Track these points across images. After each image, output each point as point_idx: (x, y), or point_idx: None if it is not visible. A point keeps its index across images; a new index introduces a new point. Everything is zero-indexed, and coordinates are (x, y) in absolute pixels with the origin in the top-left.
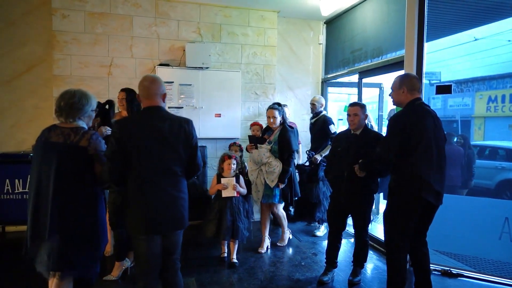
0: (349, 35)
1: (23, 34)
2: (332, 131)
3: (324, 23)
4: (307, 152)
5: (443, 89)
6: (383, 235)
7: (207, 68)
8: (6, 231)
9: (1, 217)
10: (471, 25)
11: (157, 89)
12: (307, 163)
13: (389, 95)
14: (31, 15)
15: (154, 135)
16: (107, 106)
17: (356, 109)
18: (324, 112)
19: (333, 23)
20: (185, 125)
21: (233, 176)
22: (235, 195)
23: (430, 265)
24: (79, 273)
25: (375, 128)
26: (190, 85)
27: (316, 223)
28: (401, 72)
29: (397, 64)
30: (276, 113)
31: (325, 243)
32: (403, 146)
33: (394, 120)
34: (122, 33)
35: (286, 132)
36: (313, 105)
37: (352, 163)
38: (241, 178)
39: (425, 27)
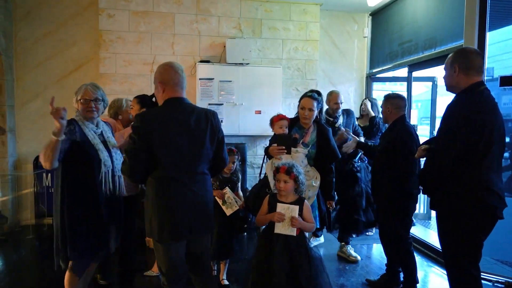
0: (398, 27)
1: (72, 34)
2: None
3: (370, 15)
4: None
5: (509, 80)
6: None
7: (248, 64)
8: None
9: (50, 211)
10: None
11: (184, 79)
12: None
13: (443, 77)
14: (80, 15)
15: (181, 129)
16: (154, 99)
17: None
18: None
19: (380, 14)
20: (211, 118)
21: (295, 203)
22: (294, 233)
23: (492, 276)
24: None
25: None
26: (230, 81)
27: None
28: None
29: None
30: (315, 104)
31: (374, 246)
32: (468, 145)
33: (452, 111)
34: (164, 31)
35: (327, 131)
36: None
37: (374, 165)
38: (306, 204)
39: (488, 14)
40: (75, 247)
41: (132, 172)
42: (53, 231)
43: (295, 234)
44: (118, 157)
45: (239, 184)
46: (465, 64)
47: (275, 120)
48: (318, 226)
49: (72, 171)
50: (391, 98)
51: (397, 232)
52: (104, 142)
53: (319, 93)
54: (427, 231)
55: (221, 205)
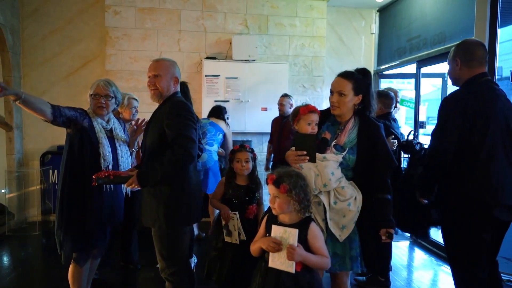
0: (406, 22)
1: (79, 31)
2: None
3: (377, 11)
4: None
5: None
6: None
7: (254, 60)
8: None
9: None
10: None
11: None
12: None
13: (447, 72)
14: (86, 12)
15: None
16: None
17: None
18: None
19: (387, 10)
20: None
21: (296, 225)
22: (293, 270)
23: (502, 274)
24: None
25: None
26: (236, 78)
27: None
28: None
29: None
30: (349, 86)
31: None
32: (463, 141)
33: (447, 103)
34: (170, 27)
35: (376, 127)
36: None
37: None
38: (314, 228)
39: (499, 9)
40: (73, 238)
41: (195, 150)
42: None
43: (293, 271)
44: (125, 155)
45: (261, 192)
46: (466, 56)
47: (303, 112)
48: (359, 270)
49: (74, 163)
50: (383, 97)
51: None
52: (112, 138)
53: (363, 72)
54: (436, 230)
55: (222, 226)
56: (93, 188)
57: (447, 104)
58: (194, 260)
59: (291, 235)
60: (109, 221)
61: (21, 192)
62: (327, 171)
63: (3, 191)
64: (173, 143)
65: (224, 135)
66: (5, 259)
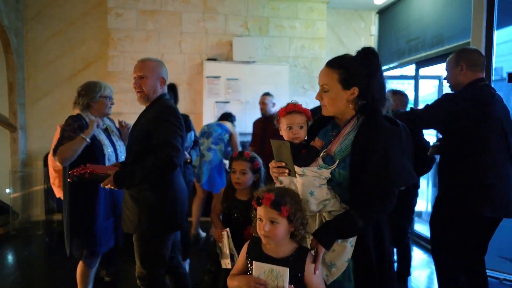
0: (405, 24)
1: (81, 33)
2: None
3: (377, 13)
4: None
5: None
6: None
7: (254, 62)
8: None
9: (60, 207)
10: None
11: None
12: None
13: (444, 78)
14: (89, 14)
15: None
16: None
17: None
18: None
19: (387, 12)
20: None
21: (287, 260)
22: None
23: (499, 273)
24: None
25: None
26: (237, 79)
27: None
28: None
29: None
30: (334, 78)
31: None
32: (458, 142)
33: (448, 98)
34: (172, 29)
35: (381, 132)
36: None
37: None
38: (311, 260)
39: (495, 12)
40: (81, 236)
41: (179, 159)
42: (63, 226)
43: None
44: (123, 150)
45: None
46: (471, 61)
47: (280, 114)
48: None
49: (78, 163)
50: (399, 94)
51: (399, 225)
52: (109, 136)
53: (365, 53)
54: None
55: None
56: (95, 185)
57: (446, 98)
58: (187, 262)
59: (280, 276)
60: (110, 215)
61: (25, 192)
62: (304, 189)
63: (7, 191)
64: (157, 149)
65: (231, 135)
66: (9, 258)
